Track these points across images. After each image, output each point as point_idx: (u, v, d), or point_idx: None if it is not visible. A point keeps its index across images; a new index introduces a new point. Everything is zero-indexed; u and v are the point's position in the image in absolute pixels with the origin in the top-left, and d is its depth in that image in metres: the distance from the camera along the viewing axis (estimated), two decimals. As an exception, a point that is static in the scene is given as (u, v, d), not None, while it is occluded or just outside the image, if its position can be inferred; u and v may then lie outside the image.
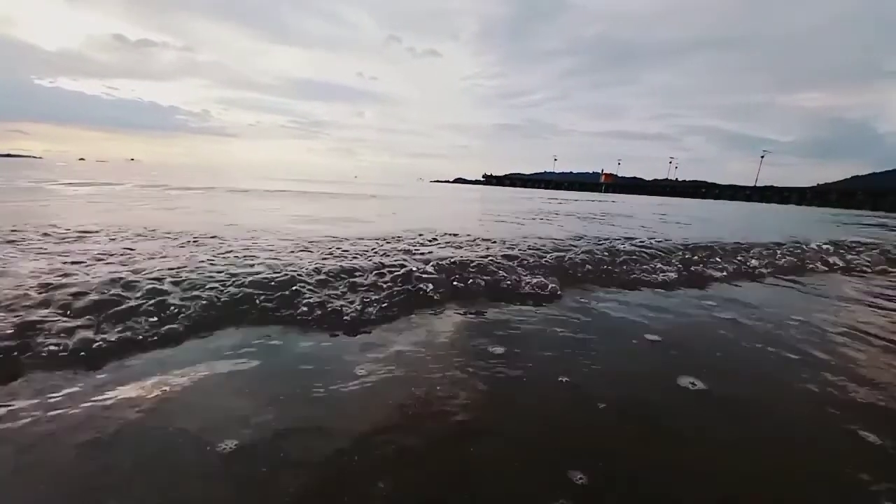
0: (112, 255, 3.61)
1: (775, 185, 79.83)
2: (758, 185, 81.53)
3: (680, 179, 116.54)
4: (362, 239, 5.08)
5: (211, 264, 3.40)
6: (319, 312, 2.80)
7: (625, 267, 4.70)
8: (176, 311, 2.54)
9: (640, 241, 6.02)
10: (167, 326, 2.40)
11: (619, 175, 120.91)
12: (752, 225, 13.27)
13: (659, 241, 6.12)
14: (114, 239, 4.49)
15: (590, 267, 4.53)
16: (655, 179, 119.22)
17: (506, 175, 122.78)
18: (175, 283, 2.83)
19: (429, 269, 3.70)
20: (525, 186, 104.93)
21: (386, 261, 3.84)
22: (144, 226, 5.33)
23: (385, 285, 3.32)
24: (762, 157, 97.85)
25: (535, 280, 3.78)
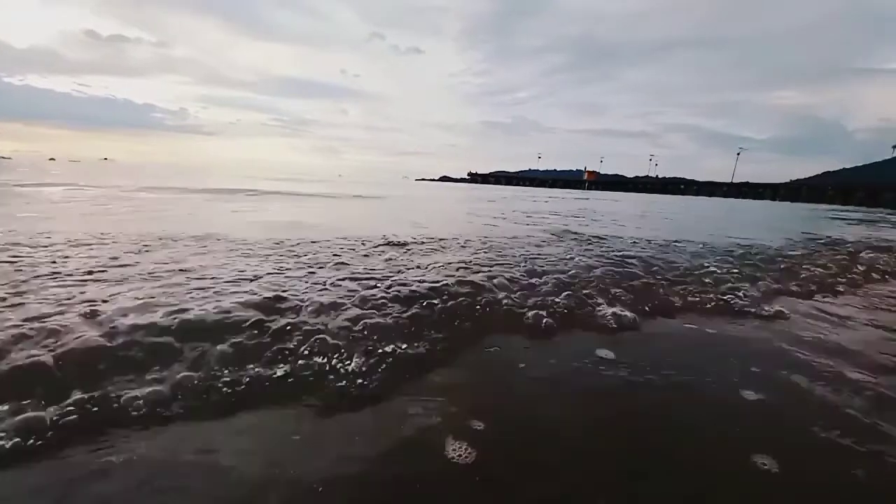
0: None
1: (751, 181, 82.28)
2: (734, 181, 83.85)
3: (660, 176, 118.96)
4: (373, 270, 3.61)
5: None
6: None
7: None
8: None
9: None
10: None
11: (602, 172, 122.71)
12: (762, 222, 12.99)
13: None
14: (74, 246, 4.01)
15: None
16: (637, 176, 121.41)
17: (490, 173, 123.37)
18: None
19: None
20: (510, 184, 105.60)
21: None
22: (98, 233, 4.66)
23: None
24: (738, 154, 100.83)
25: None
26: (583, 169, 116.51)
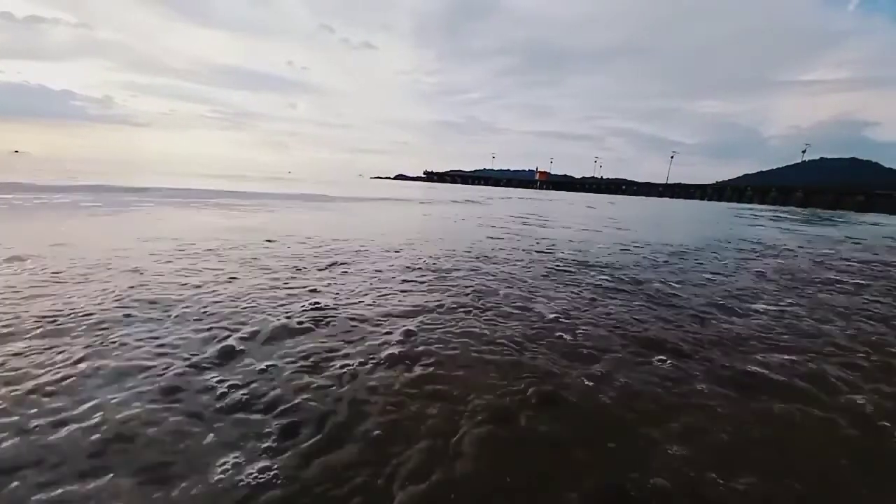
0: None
1: (683, 182, 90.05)
2: (669, 182, 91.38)
3: (605, 177, 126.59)
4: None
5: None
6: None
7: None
8: None
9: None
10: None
11: (552, 173, 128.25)
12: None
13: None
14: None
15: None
16: (584, 177, 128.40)
17: (447, 172, 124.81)
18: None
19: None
20: (465, 183, 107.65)
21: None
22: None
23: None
24: (672, 157, 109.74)
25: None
26: (535, 169, 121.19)
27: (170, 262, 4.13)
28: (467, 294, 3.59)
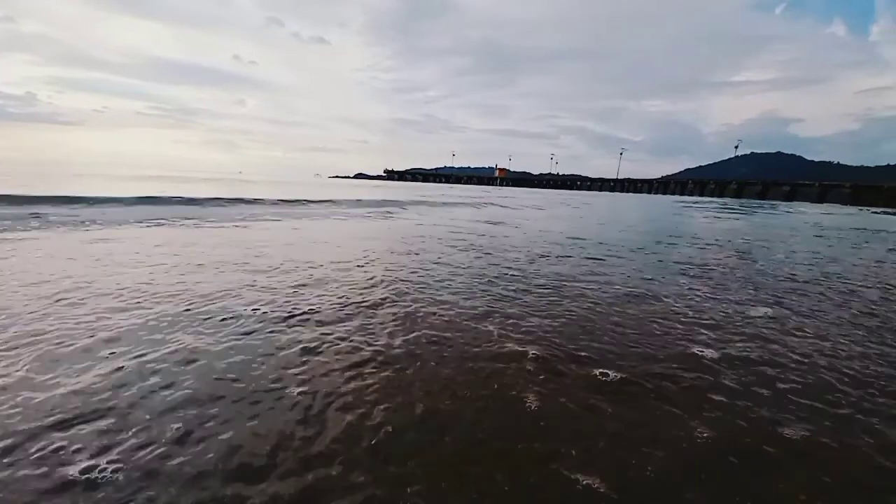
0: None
1: (631, 177, 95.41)
2: (619, 177, 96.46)
3: (560, 174, 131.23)
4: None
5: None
6: None
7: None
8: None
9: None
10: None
11: (511, 170, 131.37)
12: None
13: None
14: None
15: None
16: (541, 174, 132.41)
17: (407, 170, 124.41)
18: None
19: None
20: (427, 181, 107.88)
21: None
22: None
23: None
24: (621, 153, 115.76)
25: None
26: (494, 166, 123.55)
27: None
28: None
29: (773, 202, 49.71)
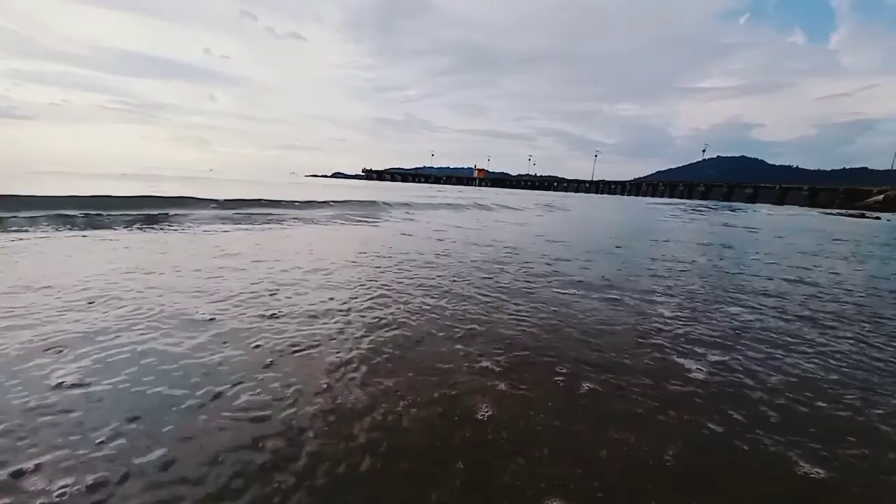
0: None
1: (606, 179, 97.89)
2: (594, 179, 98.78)
3: (538, 175, 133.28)
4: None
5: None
6: None
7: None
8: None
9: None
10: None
11: (490, 170, 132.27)
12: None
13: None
14: None
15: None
16: (520, 174, 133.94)
17: (386, 170, 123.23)
18: None
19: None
20: (405, 181, 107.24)
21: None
22: None
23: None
24: (596, 155, 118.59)
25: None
26: (473, 167, 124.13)
27: None
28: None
29: (737, 203, 52.16)
